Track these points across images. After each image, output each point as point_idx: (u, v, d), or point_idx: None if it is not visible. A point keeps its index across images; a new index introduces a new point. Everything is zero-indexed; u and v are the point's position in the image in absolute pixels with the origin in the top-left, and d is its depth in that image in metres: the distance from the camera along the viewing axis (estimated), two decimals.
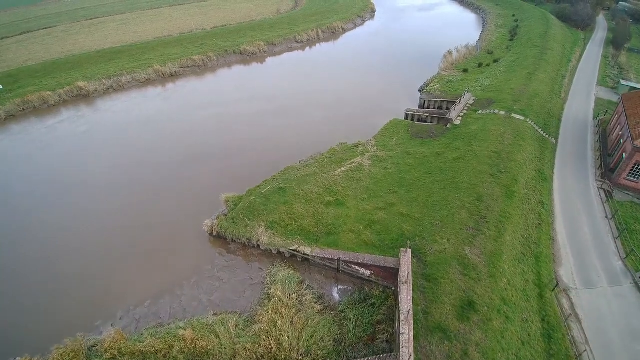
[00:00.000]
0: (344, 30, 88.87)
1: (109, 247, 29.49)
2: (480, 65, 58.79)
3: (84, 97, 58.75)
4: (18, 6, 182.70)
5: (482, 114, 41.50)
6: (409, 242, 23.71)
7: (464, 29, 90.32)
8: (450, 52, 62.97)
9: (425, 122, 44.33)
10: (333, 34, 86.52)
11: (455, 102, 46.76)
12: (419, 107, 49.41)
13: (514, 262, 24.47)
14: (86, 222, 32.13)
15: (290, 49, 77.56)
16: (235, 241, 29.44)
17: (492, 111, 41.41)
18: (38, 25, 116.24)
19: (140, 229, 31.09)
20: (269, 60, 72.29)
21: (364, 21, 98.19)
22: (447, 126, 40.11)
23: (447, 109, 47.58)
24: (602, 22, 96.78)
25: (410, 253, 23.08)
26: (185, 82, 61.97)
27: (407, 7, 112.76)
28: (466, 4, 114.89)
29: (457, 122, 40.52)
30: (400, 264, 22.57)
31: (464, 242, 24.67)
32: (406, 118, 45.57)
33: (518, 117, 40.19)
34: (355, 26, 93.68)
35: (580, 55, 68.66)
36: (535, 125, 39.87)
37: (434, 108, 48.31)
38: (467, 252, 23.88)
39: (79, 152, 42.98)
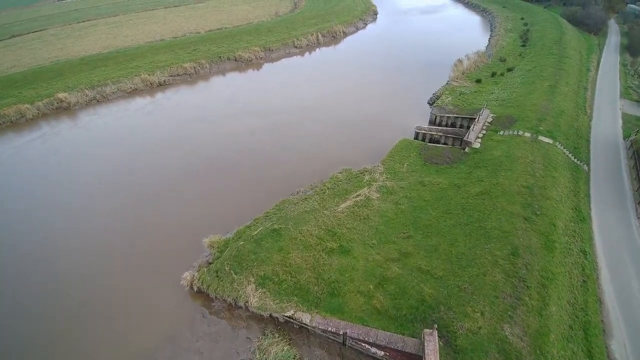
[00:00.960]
0: (345, 34, 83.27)
1: (61, 302, 24.26)
2: (493, 74, 53.34)
3: (64, 110, 53.34)
4: (16, 7, 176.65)
5: (504, 135, 36.11)
6: (435, 325, 18.37)
7: (471, 33, 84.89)
8: (460, 61, 57.47)
9: (438, 142, 38.98)
10: (334, 39, 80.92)
11: (471, 118, 41.42)
12: (430, 124, 44.07)
13: (562, 342, 19.22)
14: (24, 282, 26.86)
15: (289, 55, 72.02)
16: (219, 299, 24.20)
17: (515, 132, 36.04)
18: (29, 28, 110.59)
19: (103, 280, 25.80)
20: (266, 66, 66.78)
21: (366, 24, 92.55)
22: (465, 150, 34.75)
23: (461, 126, 42.24)
24: (613, 26, 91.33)
25: (437, 336, 17.86)
26: (173, 93, 56.43)
27: (410, 9, 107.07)
28: (471, 6, 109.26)
29: (477, 145, 35.15)
30: (423, 351, 17.36)
31: (502, 317, 19.41)
32: (416, 137, 40.23)
33: (545, 140, 34.84)
34: (357, 29, 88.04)
35: (598, 63, 63.24)
36: (565, 150, 34.54)
37: (447, 125, 42.97)
38: (506, 333, 18.64)
39: (38, 181, 37.55)
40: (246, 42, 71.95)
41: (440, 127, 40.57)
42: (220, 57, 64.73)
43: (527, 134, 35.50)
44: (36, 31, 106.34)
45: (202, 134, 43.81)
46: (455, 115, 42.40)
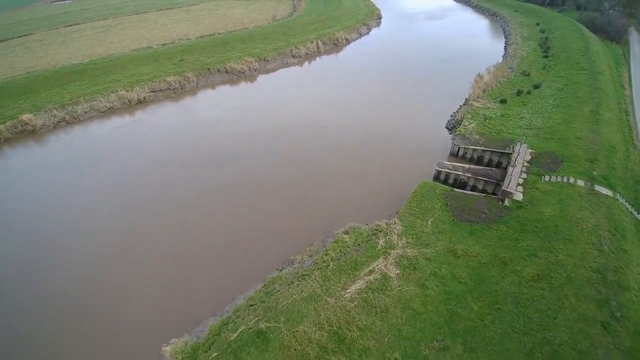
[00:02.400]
0: (348, 41, 75.05)
1: None
2: (519, 93, 45.43)
3: (30, 133, 45.49)
4: (10, 8, 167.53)
5: (551, 182, 28.32)
6: None
7: (484, 39, 76.81)
8: (481, 76, 49.48)
9: (466, 186, 31.26)
10: (335, 46, 72.74)
11: (503, 152, 33.70)
12: (450, 155, 36.34)
13: None
14: None
15: (286, 65, 63.95)
16: None
17: (565, 180, 28.25)
18: (14, 33, 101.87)
19: None
20: (260, 79, 58.77)
21: (370, 29, 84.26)
22: (505, 203, 27.03)
23: (490, 161, 34.51)
24: (634, 34, 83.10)
25: None
26: (150, 114, 48.33)
27: (416, 13, 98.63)
28: (479, 10, 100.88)
29: (518, 195, 27.43)
30: None
31: None
32: (437, 177, 32.51)
33: (603, 191, 27.11)
34: (360, 35, 79.78)
35: (629, 78, 55.39)
36: (628, 205, 26.82)
37: (473, 160, 35.25)
38: None
39: None
40: (239, 51, 63.83)
41: (466, 166, 32.73)
42: (209, 69, 56.66)
43: (581, 182, 27.74)
44: (21, 36, 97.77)
45: (170, 177, 35.65)
46: (483, 149, 34.64)
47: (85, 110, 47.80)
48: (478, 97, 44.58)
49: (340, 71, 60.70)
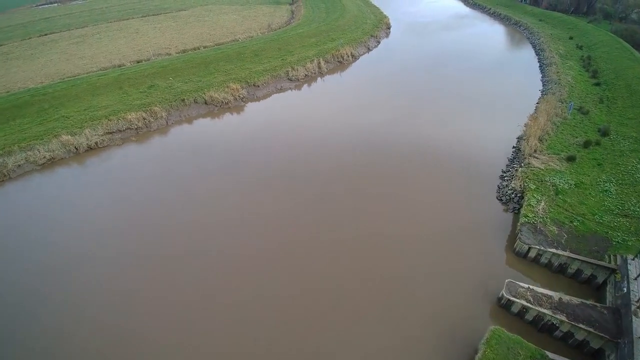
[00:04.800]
0: (354, 58, 62.00)
1: None
2: (587, 144, 32.87)
3: None
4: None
5: None
6: None
7: (510, 54, 63.82)
8: (534, 117, 36.63)
9: (554, 330, 18.95)
10: (339, 64, 59.75)
11: (599, 265, 21.32)
12: (516, 254, 23.89)
13: None
14: None
15: (280, 90, 51.10)
16: None
17: None
18: None
19: None
20: (248, 111, 45.96)
21: (379, 42, 71.07)
22: None
23: (577, 273, 22.12)
24: None
25: None
26: (98, 165, 35.52)
27: (429, 22, 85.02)
28: (499, 18, 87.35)
29: None
30: None
31: None
32: (506, 305, 20.21)
33: None
34: (369, 50, 66.64)
35: None
36: None
37: (550, 266, 22.86)
38: None
39: None
40: (224, 73, 50.89)
41: (554, 296, 20.20)
42: (183, 100, 43.81)
43: None
44: None
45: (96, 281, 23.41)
46: (568, 255, 22.21)
47: (19, 163, 35.13)
48: (535, 151, 31.98)
49: (345, 99, 47.69)
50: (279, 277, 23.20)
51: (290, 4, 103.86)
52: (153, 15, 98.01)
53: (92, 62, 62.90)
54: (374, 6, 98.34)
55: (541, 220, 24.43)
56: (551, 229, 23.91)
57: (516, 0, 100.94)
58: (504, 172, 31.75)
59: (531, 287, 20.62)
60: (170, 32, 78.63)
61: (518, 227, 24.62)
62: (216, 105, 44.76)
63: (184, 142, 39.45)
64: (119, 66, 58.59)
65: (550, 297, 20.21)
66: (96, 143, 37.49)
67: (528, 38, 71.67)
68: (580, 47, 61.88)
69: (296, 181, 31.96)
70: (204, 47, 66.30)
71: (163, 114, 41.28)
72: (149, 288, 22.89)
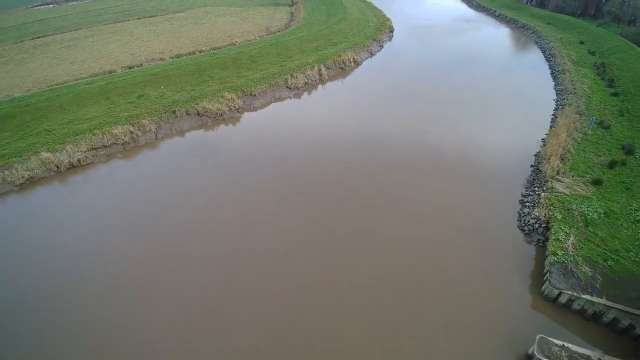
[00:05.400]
0: (357, 64, 58.77)
1: None
2: (612, 165, 29.80)
3: None
4: None
5: None
6: None
7: (519, 60, 60.63)
8: (555, 133, 33.44)
9: None
10: (341, 71, 56.57)
11: (635, 314, 18.34)
12: (544, 297, 20.87)
13: None
14: None
15: (279, 99, 47.95)
16: None
17: None
18: None
19: None
20: (243, 122, 42.84)
21: (382, 46, 67.87)
22: None
23: (613, 322, 19.12)
24: None
25: None
26: (80, 185, 32.30)
27: (432, 25, 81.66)
28: (505, 20, 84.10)
29: None
30: None
31: None
32: None
33: None
34: (371, 55, 63.45)
35: None
36: None
37: (583, 313, 19.86)
38: None
39: None
40: (219, 81, 47.75)
41: (583, 352, 17.28)
42: (174, 111, 40.68)
43: None
44: None
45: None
46: (604, 303, 19.23)
47: None
48: (558, 172, 28.90)
49: (347, 110, 44.64)
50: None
51: (289, 6, 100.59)
52: (149, 17, 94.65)
53: (83, 68, 59.74)
54: (376, 8, 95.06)
55: (572, 259, 21.39)
56: (584, 270, 20.89)
57: (521, 2, 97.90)
58: (524, 197, 28.63)
59: (566, 345, 17.61)
60: (165, 35, 75.39)
61: (546, 268, 21.56)
62: (210, 117, 41.65)
63: (174, 157, 36.34)
64: (110, 72, 55.49)
65: (588, 357, 17.23)
66: (79, 160, 34.37)
67: (536, 42, 68.46)
68: (593, 53, 58.72)
69: (299, 202, 28.92)
70: (200, 52, 63.16)
71: (152, 127, 38.14)
72: (135, 321, 19.87)
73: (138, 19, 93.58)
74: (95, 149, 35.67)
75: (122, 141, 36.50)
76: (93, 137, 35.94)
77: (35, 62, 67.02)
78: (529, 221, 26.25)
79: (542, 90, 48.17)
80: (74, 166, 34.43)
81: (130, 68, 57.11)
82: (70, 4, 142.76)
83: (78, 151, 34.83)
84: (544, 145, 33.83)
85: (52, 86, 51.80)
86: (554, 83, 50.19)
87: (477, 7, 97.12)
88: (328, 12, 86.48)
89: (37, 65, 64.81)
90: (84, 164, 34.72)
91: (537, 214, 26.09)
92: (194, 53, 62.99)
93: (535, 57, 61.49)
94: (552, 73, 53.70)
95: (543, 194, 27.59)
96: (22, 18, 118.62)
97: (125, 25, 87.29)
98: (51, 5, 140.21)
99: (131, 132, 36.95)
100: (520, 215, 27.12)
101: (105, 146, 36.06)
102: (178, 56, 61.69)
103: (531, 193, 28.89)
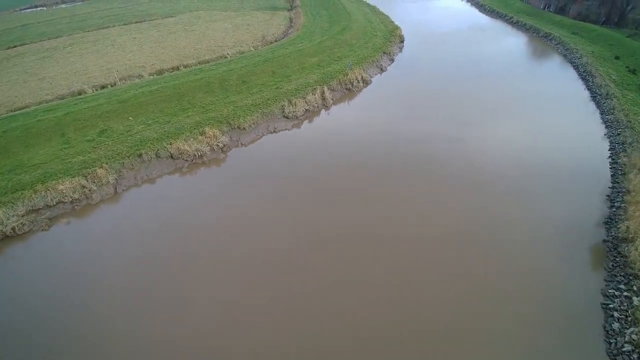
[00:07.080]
0: (366, 83, 49.71)
1: None
2: None
3: None
4: None
5: None
6: None
7: (550, 78, 51.48)
8: (635, 200, 24.90)
9: None
10: (348, 92, 47.72)
11: None
12: None
13: None
14: None
15: (273, 132, 39.16)
16: None
17: None
18: None
19: None
20: (229, 165, 34.11)
21: (392, 59, 58.87)
22: None
23: None
24: None
25: None
26: (8, 266, 24.08)
27: (445, 34, 72.28)
28: (524, 29, 74.81)
29: None
30: None
31: None
32: None
33: None
34: (382, 71, 54.56)
35: None
36: None
37: None
38: None
39: None
40: (201, 109, 39.02)
41: None
42: (141, 155, 32.07)
43: None
44: None
45: None
46: None
47: None
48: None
49: (357, 146, 35.90)
50: None
51: (288, 10, 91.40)
52: (136, 22, 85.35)
53: (51, 86, 51.05)
54: (382, 13, 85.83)
55: None
56: None
57: (538, 7, 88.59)
58: (607, 297, 20.09)
59: None
60: (149, 45, 66.41)
61: None
62: (186, 160, 32.95)
63: (136, 219, 27.89)
64: (79, 93, 46.80)
65: None
66: (13, 229, 25.85)
67: (565, 55, 59.48)
68: (634, 72, 49.80)
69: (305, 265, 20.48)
70: (185, 67, 54.36)
71: (110, 179, 29.42)
72: None
73: (124, 24, 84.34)
74: (35, 210, 27.16)
75: (71, 199, 27.94)
76: (34, 195, 27.40)
77: (4, 78, 58.33)
78: (621, 346, 17.87)
79: (588, 122, 39.41)
80: (7, 236, 25.91)
81: (102, 87, 48.47)
82: (60, 6, 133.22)
83: (13, 215, 26.31)
84: (616, 209, 25.27)
85: (10, 112, 43.34)
86: (598, 111, 41.44)
87: (492, 13, 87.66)
88: (330, 18, 77.31)
89: (4, 82, 56.12)
90: (19, 232, 26.19)
91: (634, 337, 17.73)
92: (178, 68, 54.23)
93: (567, 75, 52.55)
94: (592, 97, 44.88)
95: (636, 298, 19.20)
96: (7, 23, 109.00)
97: (109, 32, 78.15)
98: (39, 9, 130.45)
99: (83, 187, 28.36)
100: (608, 334, 18.68)
101: (49, 206, 27.50)
102: (160, 72, 52.95)
103: (616, 293, 20.44)
